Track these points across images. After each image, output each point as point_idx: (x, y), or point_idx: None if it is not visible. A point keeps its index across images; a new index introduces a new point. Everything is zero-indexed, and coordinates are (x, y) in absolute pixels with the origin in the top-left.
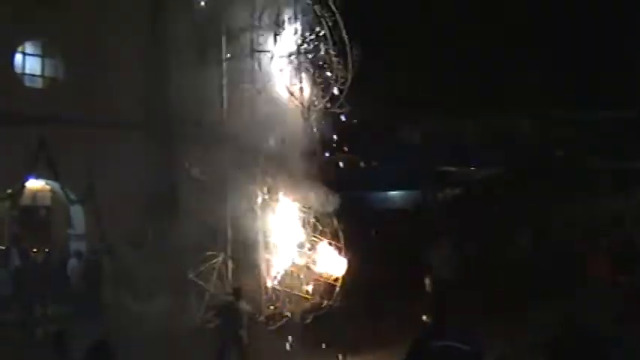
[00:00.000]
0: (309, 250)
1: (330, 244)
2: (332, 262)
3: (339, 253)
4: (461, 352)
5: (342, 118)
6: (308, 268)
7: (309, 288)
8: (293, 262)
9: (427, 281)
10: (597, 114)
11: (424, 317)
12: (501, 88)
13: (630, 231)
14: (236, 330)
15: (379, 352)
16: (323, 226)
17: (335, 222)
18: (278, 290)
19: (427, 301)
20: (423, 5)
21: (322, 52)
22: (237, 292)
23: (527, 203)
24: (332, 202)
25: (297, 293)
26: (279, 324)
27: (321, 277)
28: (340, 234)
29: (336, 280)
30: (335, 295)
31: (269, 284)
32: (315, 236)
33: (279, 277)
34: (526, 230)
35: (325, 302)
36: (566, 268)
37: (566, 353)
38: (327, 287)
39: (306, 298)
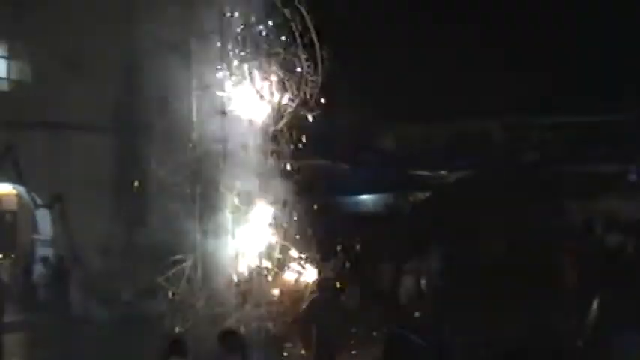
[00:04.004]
0: (279, 255)
1: (300, 255)
2: (301, 272)
3: (309, 263)
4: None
5: (312, 121)
6: (276, 273)
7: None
8: (261, 267)
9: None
10: (566, 118)
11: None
12: (473, 93)
13: (600, 235)
14: None
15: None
16: (294, 232)
17: (306, 228)
18: (247, 294)
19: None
20: (395, 10)
21: (292, 56)
22: None
23: (497, 207)
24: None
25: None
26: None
27: (288, 284)
28: (312, 241)
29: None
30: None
31: (237, 288)
32: (285, 244)
33: (247, 281)
34: (496, 234)
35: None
36: (536, 273)
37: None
38: (296, 293)
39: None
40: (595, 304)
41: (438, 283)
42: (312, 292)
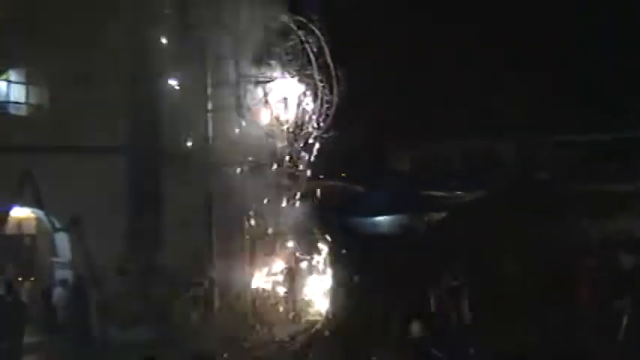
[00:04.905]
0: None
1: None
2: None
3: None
4: None
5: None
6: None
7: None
8: (277, 288)
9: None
10: (580, 137)
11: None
12: (484, 113)
13: (615, 253)
14: None
15: None
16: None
17: (320, 245)
18: (263, 316)
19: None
20: (408, 31)
21: (307, 77)
22: None
23: (511, 226)
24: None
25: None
26: (265, 349)
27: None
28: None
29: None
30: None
31: (254, 310)
32: (302, 264)
33: (263, 303)
34: (511, 253)
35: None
36: (551, 291)
37: None
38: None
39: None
40: (624, 319)
41: (456, 302)
42: (329, 314)
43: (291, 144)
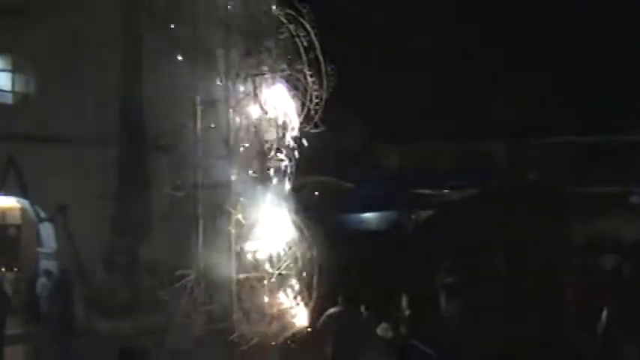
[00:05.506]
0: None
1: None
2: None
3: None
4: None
5: (316, 137)
6: (280, 289)
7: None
8: (265, 283)
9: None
10: (570, 138)
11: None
12: (476, 111)
13: (604, 254)
14: None
15: None
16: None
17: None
18: (249, 309)
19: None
20: (399, 28)
21: (297, 72)
22: None
23: (501, 226)
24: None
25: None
26: (251, 343)
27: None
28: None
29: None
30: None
31: (241, 303)
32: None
33: (251, 296)
34: (500, 252)
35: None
36: (541, 291)
37: None
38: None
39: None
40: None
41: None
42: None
43: (279, 138)
